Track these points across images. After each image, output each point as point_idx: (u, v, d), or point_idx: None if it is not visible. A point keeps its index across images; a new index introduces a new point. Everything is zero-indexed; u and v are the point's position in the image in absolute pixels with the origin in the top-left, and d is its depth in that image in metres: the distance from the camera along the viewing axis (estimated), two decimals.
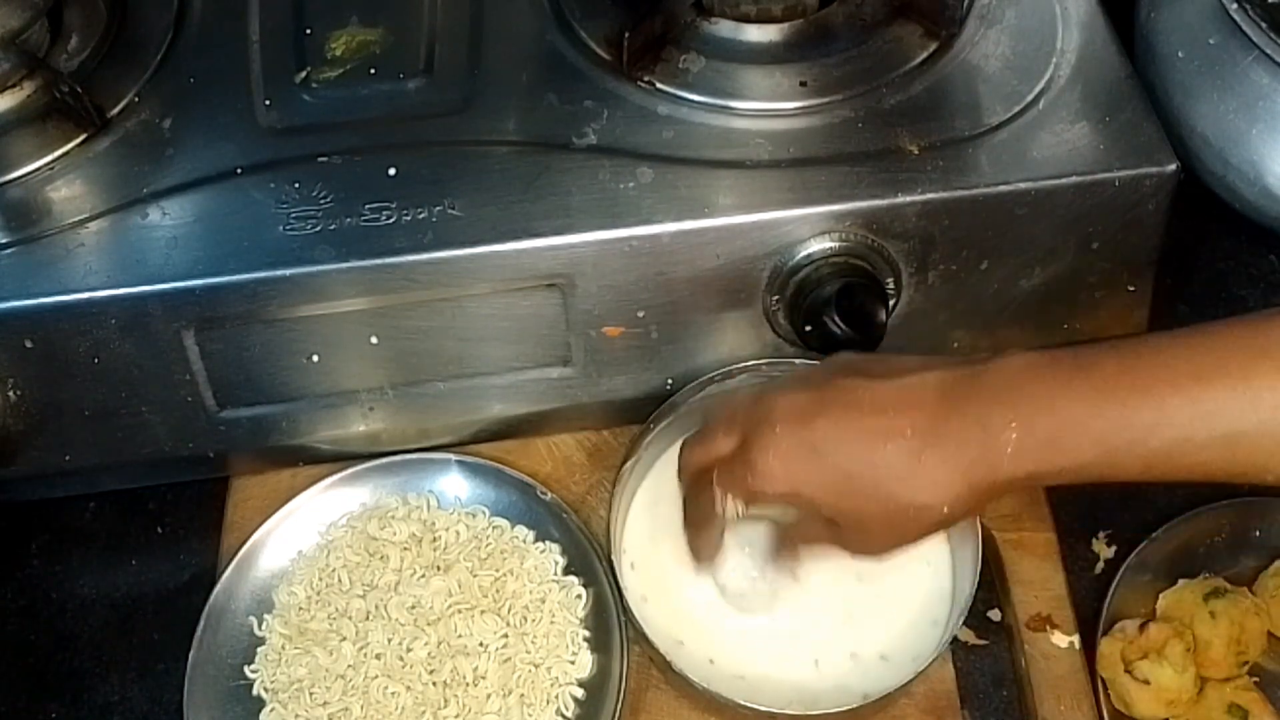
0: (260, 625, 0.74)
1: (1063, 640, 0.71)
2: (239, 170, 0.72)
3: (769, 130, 0.73)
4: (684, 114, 0.74)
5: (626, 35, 0.74)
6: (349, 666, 0.71)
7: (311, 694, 0.71)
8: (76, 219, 0.70)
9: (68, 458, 0.73)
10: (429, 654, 0.71)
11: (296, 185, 0.71)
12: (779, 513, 0.67)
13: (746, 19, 0.77)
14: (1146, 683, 0.68)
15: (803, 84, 0.75)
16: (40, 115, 0.74)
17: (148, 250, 0.69)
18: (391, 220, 0.69)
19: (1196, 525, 0.73)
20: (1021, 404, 0.58)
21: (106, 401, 0.71)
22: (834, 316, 0.69)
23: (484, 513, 0.77)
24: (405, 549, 0.75)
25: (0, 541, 0.79)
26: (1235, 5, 0.75)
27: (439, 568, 0.74)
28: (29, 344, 0.68)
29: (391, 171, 0.71)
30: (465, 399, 0.74)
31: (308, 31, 0.79)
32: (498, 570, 0.74)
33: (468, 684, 0.70)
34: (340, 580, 0.74)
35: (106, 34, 0.79)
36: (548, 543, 0.75)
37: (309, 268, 0.68)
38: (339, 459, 0.77)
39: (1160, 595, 0.72)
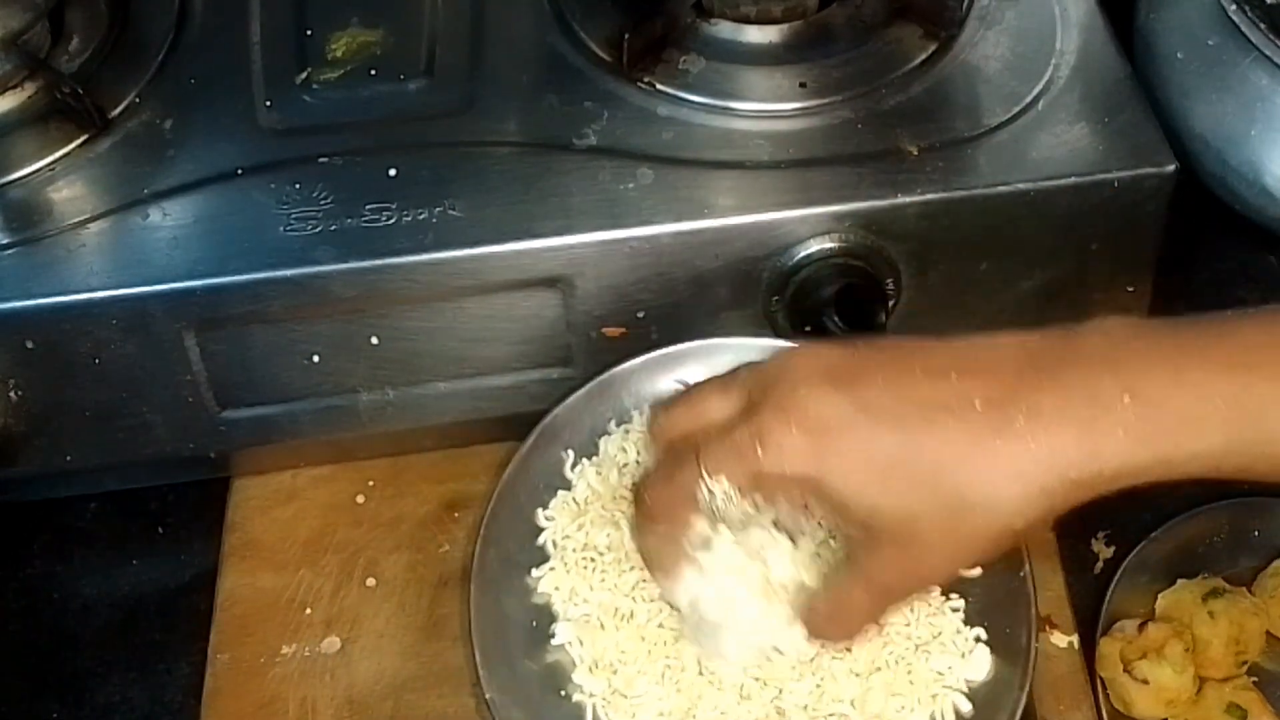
0: (572, 466, 0.65)
1: (1062, 640, 0.71)
2: (240, 171, 0.72)
3: (769, 131, 0.73)
4: (684, 115, 0.74)
5: (627, 36, 0.74)
6: None
7: (603, 574, 0.61)
8: (77, 219, 0.70)
9: (69, 458, 0.73)
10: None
11: (297, 186, 0.71)
12: (785, 517, 0.54)
13: (746, 20, 0.78)
14: (1145, 682, 0.68)
15: (802, 85, 0.75)
16: (41, 116, 0.74)
17: (149, 251, 0.69)
18: (392, 221, 0.70)
19: (1195, 525, 0.73)
20: (1139, 372, 0.45)
21: (108, 402, 0.71)
22: (834, 317, 0.69)
23: None
24: None
25: (1, 542, 0.79)
26: (1234, 6, 0.75)
27: None
28: (30, 345, 0.68)
29: (392, 172, 0.72)
30: (466, 399, 0.74)
31: (308, 33, 0.79)
32: None
33: None
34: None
35: (108, 35, 0.79)
36: None
37: (310, 268, 0.68)
38: (341, 459, 0.78)
39: (1159, 595, 0.72)
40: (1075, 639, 0.71)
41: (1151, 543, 0.72)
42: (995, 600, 0.61)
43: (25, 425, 0.71)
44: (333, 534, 0.77)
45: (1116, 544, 0.75)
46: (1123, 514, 0.76)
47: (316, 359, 0.72)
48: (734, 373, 0.53)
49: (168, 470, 0.78)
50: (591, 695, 0.63)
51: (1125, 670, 0.69)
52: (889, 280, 0.71)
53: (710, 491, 0.51)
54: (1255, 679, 0.70)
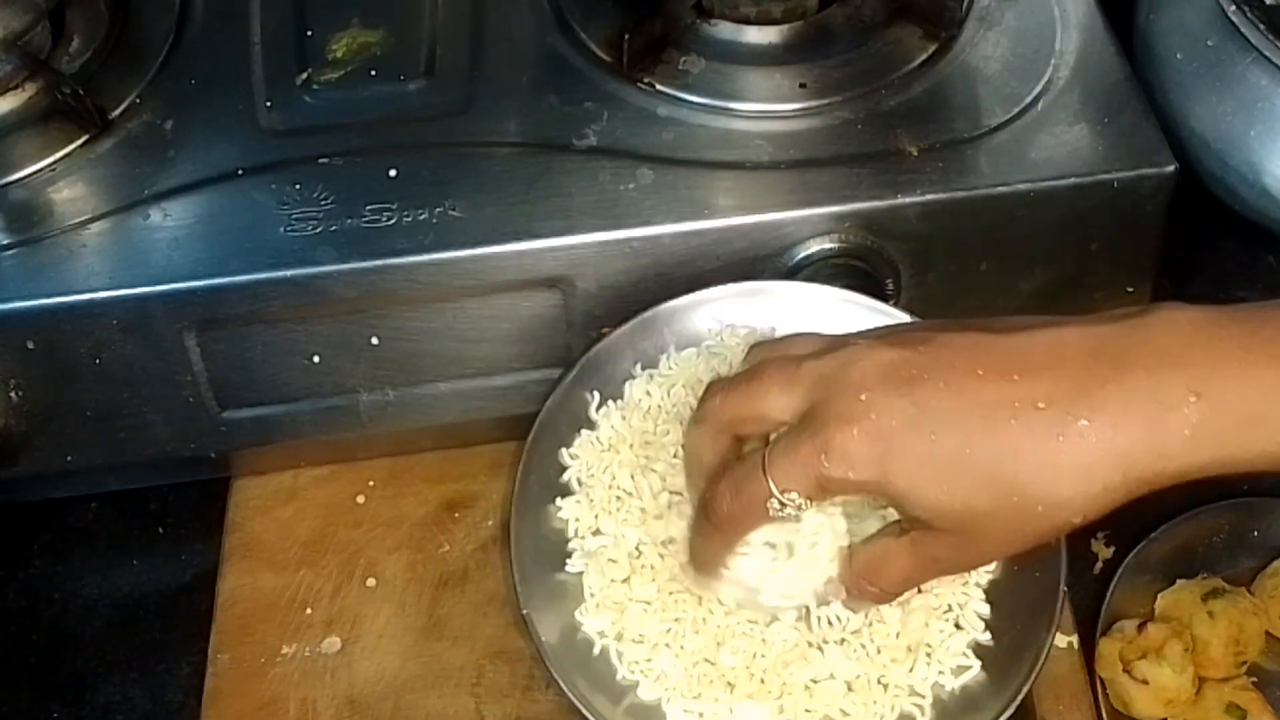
0: (597, 408, 0.67)
1: (1062, 640, 0.71)
2: (240, 172, 0.72)
3: (769, 132, 0.73)
4: (684, 115, 0.74)
5: (627, 37, 0.75)
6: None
7: (624, 515, 0.62)
8: (78, 220, 0.70)
9: (69, 458, 0.73)
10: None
11: (297, 186, 0.71)
12: (842, 511, 0.55)
13: (746, 21, 0.78)
14: (1145, 682, 0.68)
15: (802, 86, 0.75)
16: (42, 117, 0.74)
17: (149, 251, 0.69)
18: (392, 221, 0.70)
19: (1195, 525, 0.73)
20: (1205, 370, 0.45)
21: (108, 402, 0.71)
22: None
23: None
24: None
25: (2, 542, 0.79)
26: (1234, 7, 0.75)
27: None
28: (31, 345, 0.68)
29: (392, 173, 0.72)
30: (466, 399, 0.74)
31: (309, 33, 0.79)
32: None
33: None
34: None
35: (108, 36, 0.79)
36: None
37: (310, 269, 0.68)
38: (341, 459, 0.78)
39: (1159, 595, 0.72)
40: (1075, 639, 0.71)
41: (1151, 543, 0.72)
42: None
43: (25, 425, 0.71)
44: (333, 534, 0.77)
45: (1116, 544, 0.75)
46: (1123, 514, 0.75)
47: (317, 359, 0.72)
48: (796, 364, 0.52)
49: (168, 470, 0.78)
50: (602, 635, 0.63)
51: (1125, 670, 0.69)
52: (889, 280, 0.71)
53: (780, 502, 0.52)
54: (1255, 679, 0.70)
